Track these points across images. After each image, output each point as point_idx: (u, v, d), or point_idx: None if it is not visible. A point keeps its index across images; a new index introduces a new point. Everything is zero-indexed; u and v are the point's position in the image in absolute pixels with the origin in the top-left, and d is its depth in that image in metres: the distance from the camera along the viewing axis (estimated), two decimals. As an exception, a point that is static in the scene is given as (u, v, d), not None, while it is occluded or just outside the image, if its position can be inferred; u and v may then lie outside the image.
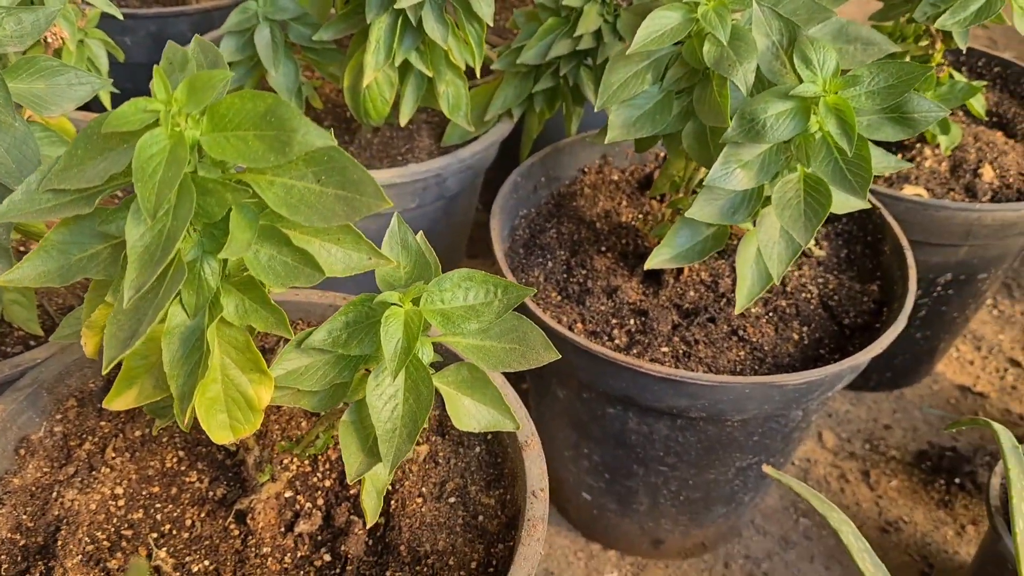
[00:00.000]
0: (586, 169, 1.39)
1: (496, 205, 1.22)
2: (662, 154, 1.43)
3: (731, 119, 0.94)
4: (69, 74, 0.86)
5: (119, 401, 0.71)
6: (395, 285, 0.79)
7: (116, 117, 0.59)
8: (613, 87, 1.02)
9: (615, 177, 1.40)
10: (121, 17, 1.12)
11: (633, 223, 1.32)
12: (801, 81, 0.94)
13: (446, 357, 0.94)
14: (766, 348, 1.12)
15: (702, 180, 1.18)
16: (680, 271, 1.22)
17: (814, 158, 0.95)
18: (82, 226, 0.66)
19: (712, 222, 1.01)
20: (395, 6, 1.04)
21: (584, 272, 1.23)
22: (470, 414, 0.81)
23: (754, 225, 1.03)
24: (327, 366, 0.78)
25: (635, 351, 1.11)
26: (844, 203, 1.02)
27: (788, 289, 1.20)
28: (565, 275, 1.24)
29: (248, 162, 0.60)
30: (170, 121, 0.59)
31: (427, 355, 0.77)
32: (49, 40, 1.04)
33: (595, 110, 1.03)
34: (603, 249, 1.27)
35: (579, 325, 1.16)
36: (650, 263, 1.06)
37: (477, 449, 0.95)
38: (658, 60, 1.02)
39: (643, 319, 1.16)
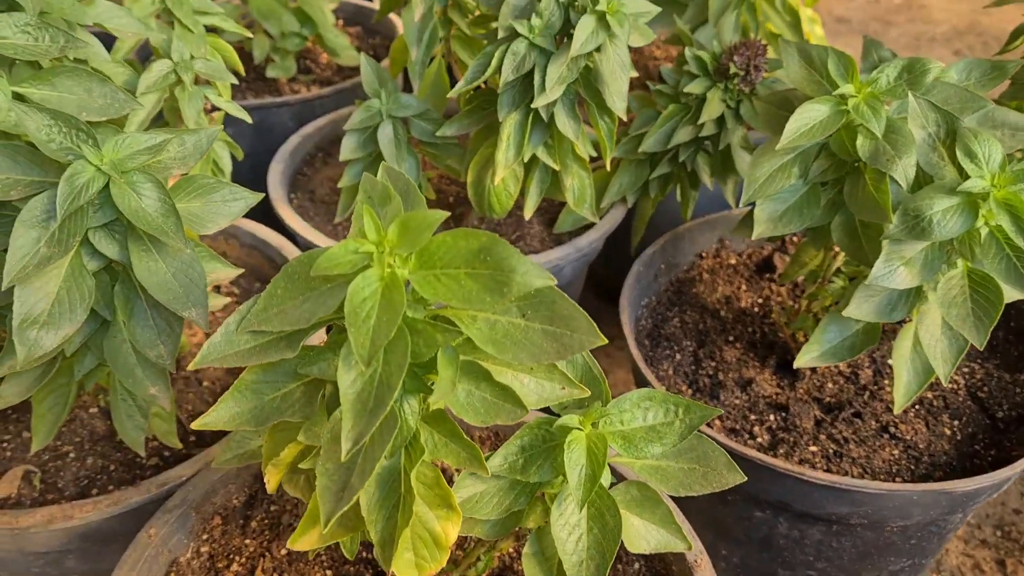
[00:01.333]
0: (703, 254, 1.36)
1: (623, 297, 1.19)
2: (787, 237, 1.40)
3: (892, 215, 0.90)
4: (224, 190, 0.84)
5: (304, 541, 0.68)
6: (567, 405, 0.75)
7: (327, 260, 0.57)
8: (758, 181, 0.99)
9: (732, 261, 1.36)
10: (251, 121, 1.12)
11: (755, 309, 1.29)
12: (964, 174, 0.91)
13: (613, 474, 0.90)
14: (920, 446, 1.07)
15: (839, 268, 1.14)
16: (815, 361, 1.17)
17: (982, 254, 0.90)
18: (276, 364, 0.64)
19: (870, 320, 0.96)
20: (532, 105, 1.02)
21: (714, 364, 1.19)
22: (640, 535, 0.78)
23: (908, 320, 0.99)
24: (502, 493, 0.75)
25: (781, 450, 1.06)
26: (1007, 294, 0.97)
27: (933, 381, 1.15)
28: (694, 367, 1.20)
29: (461, 303, 0.57)
30: (384, 263, 0.57)
31: (607, 479, 0.74)
32: (185, 148, 1.04)
33: (739, 205, 1.00)
34: (731, 339, 1.23)
35: (717, 422, 1.11)
36: (800, 362, 1.02)
37: (636, 566, 0.91)
38: (804, 153, 1.00)
39: (783, 415, 1.12)
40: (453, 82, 1.32)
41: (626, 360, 1.72)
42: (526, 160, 1.10)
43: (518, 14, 1.03)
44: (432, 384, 0.64)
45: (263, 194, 0.87)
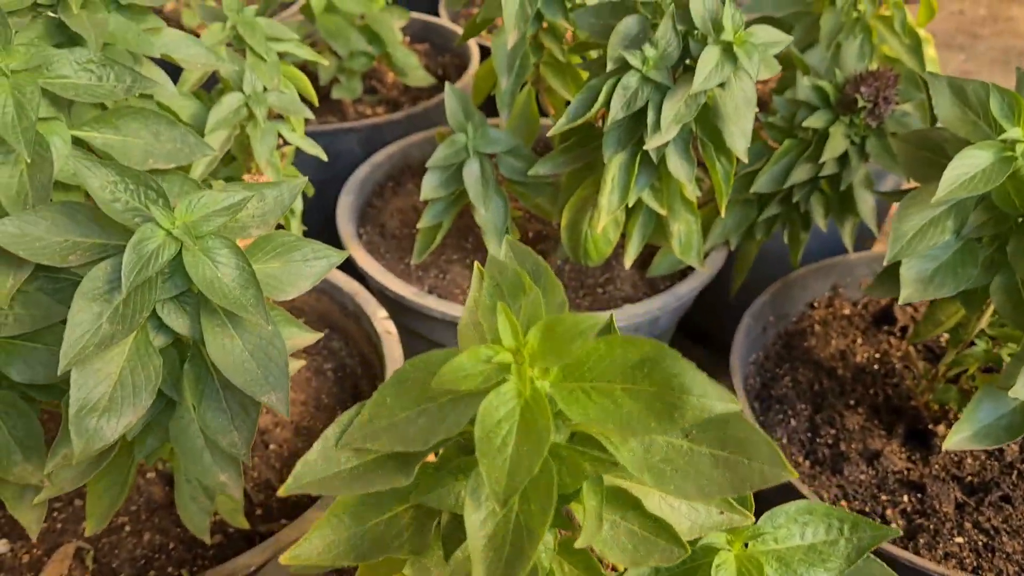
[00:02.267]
0: (815, 303, 1.23)
1: (734, 356, 1.07)
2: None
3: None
4: (305, 248, 0.74)
5: None
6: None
7: (452, 371, 0.46)
8: (906, 237, 0.86)
9: (847, 311, 1.23)
10: (326, 158, 1.02)
11: (874, 366, 1.15)
12: None
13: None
14: (1085, 540, 0.93)
15: (983, 331, 1.01)
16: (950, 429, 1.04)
17: None
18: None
19: (1040, 401, 0.83)
20: (644, 147, 0.90)
21: (833, 431, 1.06)
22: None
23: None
24: (632, 620, 0.63)
25: (922, 540, 0.93)
26: None
27: (1093, 459, 1.01)
28: (811, 435, 1.07)
29: (617, 426, 0.46)
30: (524, 378, 0.46)
31: (756, 608, 0.62)
32: (257, 191, 0.94)
33: (884, 263, 0.87)
34: (851, 402, 1.10)
35: (843, 503, 0.99)
36: (949, 443, 0.89)
37: None
38: (960, 205, 0.86)
39: (918, 495, 0.99)
40: (541, 111, 1.21)
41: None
42: (630, 205, 0.99)
43: (628, 43, 0.92)
44: (566, 511, 0.53)
45: (347, 253, 0.76)
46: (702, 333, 1.53)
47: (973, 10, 3.27)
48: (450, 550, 0.51)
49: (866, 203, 1.14)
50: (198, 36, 2.02)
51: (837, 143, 1.08)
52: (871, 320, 1.23)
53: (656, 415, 0.45)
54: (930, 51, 1.47)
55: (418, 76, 1.66)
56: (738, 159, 0.95)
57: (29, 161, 0.66)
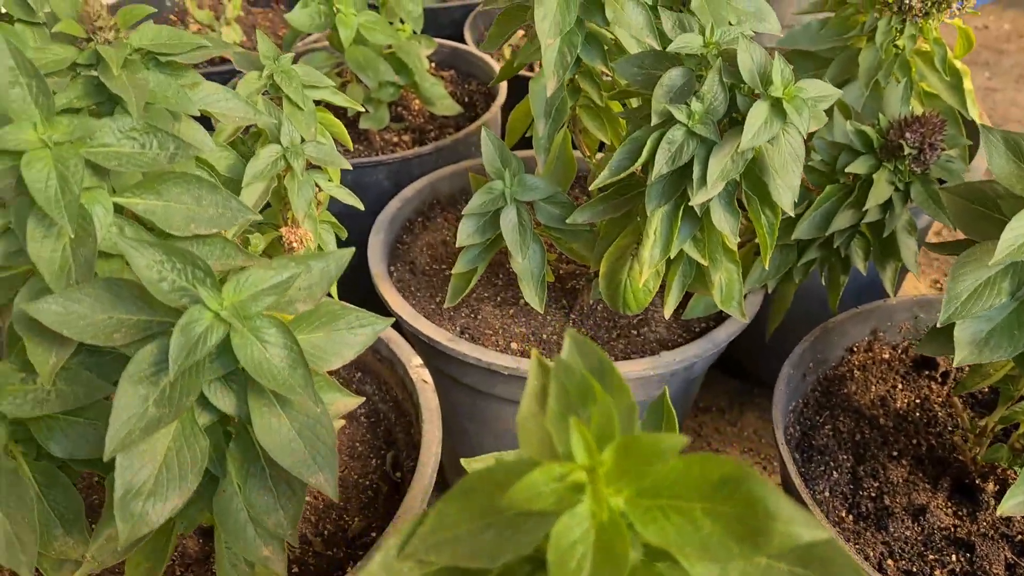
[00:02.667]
0: (854, 348, 1.21)
1: (776, 409, 1.05)
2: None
3: None
4: (349, 316, 0.73)
5: None
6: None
7: (523, 491, 0.44)
8: (960, 298, 0.84)
9: (886, 356, 1.21)
10: (362, 207, 1.01)
11: (916, 413, 1.13)
12: None
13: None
14: None
15: (1034, 385, 0.99)
16: (998, 486, 1.02)
17: None
18: (441, 592, 0.51)
19: (1100, 470, 0.81)
20: (690, 203, 0.88)
21: (876, 484, 1.04)
22: None
23: None
24: None
25: (972, 605, 0.91)
26: None
27: None
28: (853, 487, 1.05)
29: (696, 549, 0.44)
30: (600, 500, 0.44)
31: None
32: (294, 245, 0.92)
33: (938, 326, 0.85)
34: (894, 453, 1.07)
35: (889, 562, 0.96)
36: (1004, 509, 0.87)
37: None
38: (1017, 266, 0.84)
39: (967, 555, 0.96)
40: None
41: (765, 457, 1.58)
42: (672, 256, 0.97)
43: (673, 96, 0.90)
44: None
45: (392, 319, 0.75)
46: (735, 363, 1.51)
47: (997, 25, 3.24)
48: (518, 669, 0.49)
49: (909, 248, 1.12)
50: (227, 61, 2.01)
51: (881, 190, 1.05)
52: (911, 365, 1.20)
53: (738, 539, 0.43)
54: (967, 83, 1.45)
55: (445, 105, 1.64)
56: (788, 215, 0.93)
57: (73, 236, 0.65)
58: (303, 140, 0.93)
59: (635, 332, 1.23)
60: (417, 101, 1.73)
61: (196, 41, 0.82)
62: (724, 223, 0.94)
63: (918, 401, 1.15)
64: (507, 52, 2.05)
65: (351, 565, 0.91)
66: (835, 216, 1.08)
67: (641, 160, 0.90)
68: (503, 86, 1.70)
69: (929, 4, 1.24)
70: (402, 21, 1.60)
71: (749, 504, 0.43)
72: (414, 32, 1.61)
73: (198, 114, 0.83)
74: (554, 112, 1.05)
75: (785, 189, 0.90)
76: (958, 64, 1.38)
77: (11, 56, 0.65)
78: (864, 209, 1.06)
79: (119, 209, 0.72)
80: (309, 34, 1.72)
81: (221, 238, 0.76)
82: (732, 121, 0.90)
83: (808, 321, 1.21)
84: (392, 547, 0.49)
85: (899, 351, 1.22)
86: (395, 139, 1.66)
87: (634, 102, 1.06)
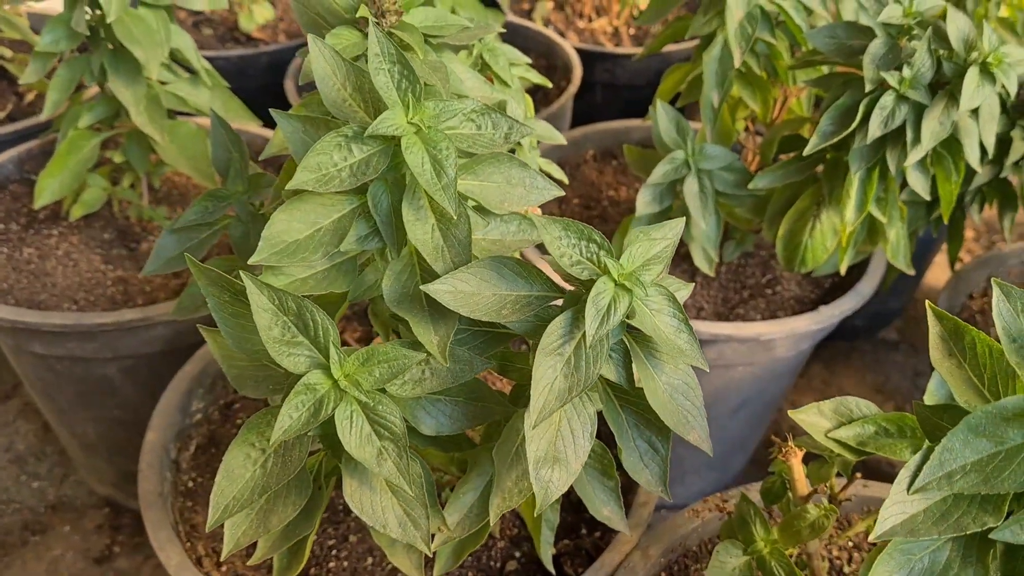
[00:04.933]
0: (973, 295, 1.31)
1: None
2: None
3: None
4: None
5: None
6: None
7: None
8: None
9: (998, 299, 1.31)
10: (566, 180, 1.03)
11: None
12: None
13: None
14: None
15: None
16: None
17: None
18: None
19: None
20: (905, 163, 0.95)
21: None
22: None
23: None
24: None
25: None
26: None
27: None
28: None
29: None
30: None
31: None
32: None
33: None
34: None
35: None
36: None
37: None
38: None
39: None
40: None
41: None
42: (864, 217, 1.03)
43: (878, 64, 0.96)
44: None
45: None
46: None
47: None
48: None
49: (1030, 201, 1.22)
50: (253, 39, 1.97)
51: (1018, 148, 1.14)
52: (1020, 307, 1.31)
53: None
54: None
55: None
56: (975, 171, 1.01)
57: (456, 217, 0.66)
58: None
59: (770, 291, 1.30)
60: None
61: (460, 23, 0.83)
62: (918, 182, 1.01)
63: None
64: (539, 21, 2.07)
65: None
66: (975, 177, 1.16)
67: (855, 123, 0.95)
68: (576, 66, 1.72)
69: (1014, -28, 1.33)
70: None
71: None
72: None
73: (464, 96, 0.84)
74: (725, 83, 1.10)
75: (977, 148, 0.98)
76: None
77: (376, 43, 0.66)
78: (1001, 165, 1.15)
79: (443, 190, 0.73)
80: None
81: (518, 215, 0.78)
82: (937, 86, 0.97)
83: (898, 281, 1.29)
84: (903, 481, 0.54)
85: (1008, 295, 1.33)
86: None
87: (824, 70, 1.11)
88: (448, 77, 0.77)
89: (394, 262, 0.70)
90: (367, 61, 0.78)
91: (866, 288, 1.23)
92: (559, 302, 0.67)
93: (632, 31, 2.08)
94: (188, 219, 0.89)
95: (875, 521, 0.81)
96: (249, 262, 0.64)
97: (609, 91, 1.89)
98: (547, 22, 2.07)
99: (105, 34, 1.18)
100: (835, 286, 1.30)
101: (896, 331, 1.88)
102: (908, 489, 0.53)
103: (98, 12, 1.16)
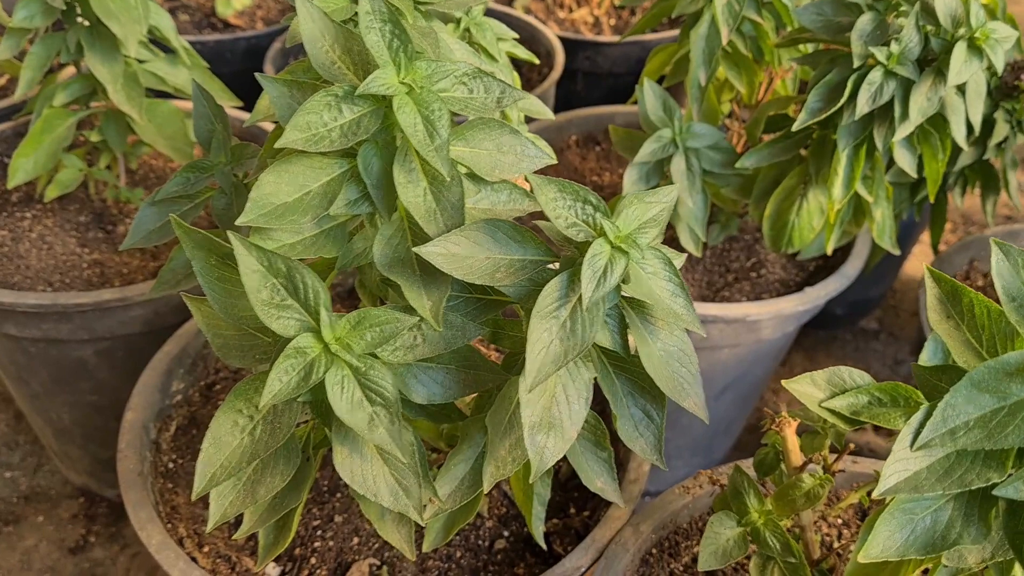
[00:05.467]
0: (956, 276, 1.31)
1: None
2: None
3: None
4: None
5: None
6: None
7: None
8: None
9: (980, 283, 1.32)
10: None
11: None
12: None
13: None
14: None
15: None
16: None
17: None
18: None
19: None
20: (894, 138, 0.95)
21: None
22: None
23: None
24: None
25: None
26: None
27: None
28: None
29: None
30: None
31: None
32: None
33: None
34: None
35: None
36: None
37: None
38: None
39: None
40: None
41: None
42: (850, 195, 1.03)
43: (866, 40, 0.96)
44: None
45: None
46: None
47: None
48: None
49: (1013, 182, 1.23)
50: (230, 25, 1.95)
51: (1001, 129, 1.15)
52: (1002, 290, 1.32)
53: None
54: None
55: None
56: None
57: (449, 179, 0.65)
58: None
59: (754, 274, 1.29)
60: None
61: (450, -10, 0.82)
62: (904, 159, 1.01)
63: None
64: (519, 11, 2.06)
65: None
66: (959, 157, 1.17)
67: (843, 99, 0.95)
68: (559, 52, 1.71)
69: (996, -42, 1.34)
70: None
71: None
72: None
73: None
74: (712, 61, 1.09)
75: (963, 125, 0.98)
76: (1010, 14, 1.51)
77: (367, 1, 0.65)
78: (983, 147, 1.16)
79: (434, 156, 0.72)
80: None
81: (508, 183, 0.76)
82: (924, 62, 0.97)
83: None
84: (905, 438, 0.53)
85: (989, 278, 1.33)
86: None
87: (808, 48, 1.11)
88: (438, 43, 0.76)
89: (385, 226, 0.68)
90: (358, 21, 0.77)
91: (851, 270, 1.23)
92: (554, 266, 0.66)
93: (612, 21, 2.08)
94: (169, 191, 0.86)
95: (868, 492, 0.81)
96: (236, 223, 0.62)
97: (590, 79, 1.89)
98: (528, 11, 2.06)
99: (82, 10, 1.15)
100: (819, 269, 1.30)
101: (876, 320, 1.89)
102: (911, 446, 0.53)
103: (74, -14, 1.14)
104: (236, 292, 0.66)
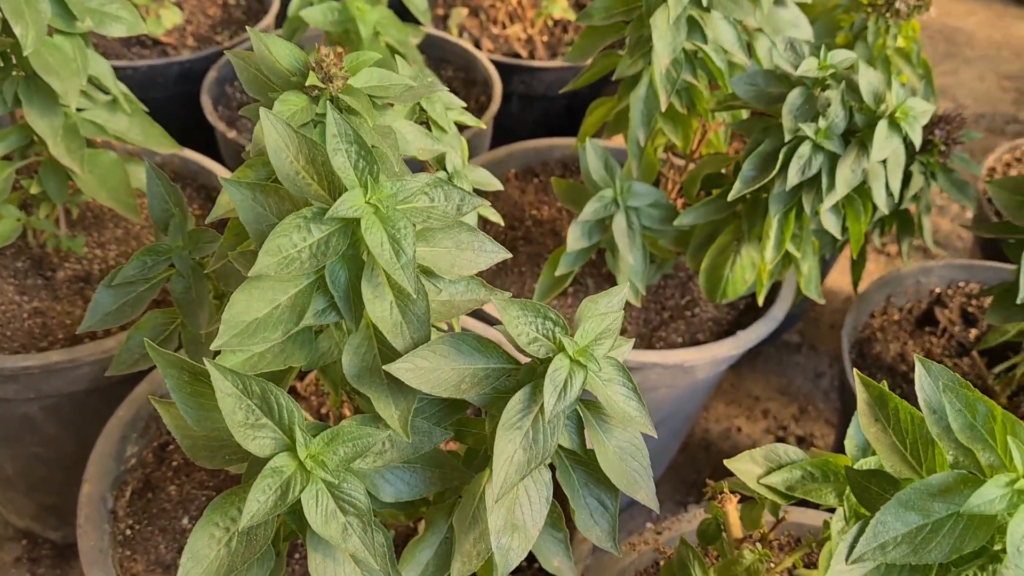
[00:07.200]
0: (874, 313, 1.40)
1: (848, 375, 1.21)
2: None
3: None
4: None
5: None
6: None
7: (978, 499, 0.56)
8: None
9: (896, 317, 1.41)
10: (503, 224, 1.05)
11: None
12: None
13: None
14: None
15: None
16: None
17: None
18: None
19: None
20: (822, 207, 1.01)
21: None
22: None
23: None
24: None
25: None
26: None
27: None
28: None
29: None
30: (1043, 500, 0.56)
31: None
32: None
33: (1018, 301, 1.03)
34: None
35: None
36: None
37: None
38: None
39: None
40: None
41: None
42: (781, 255, 1.09)
43: (796, 114, 1.02)
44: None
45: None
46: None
47: None
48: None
49: (927, 227, 1.31)
50: (160, 43, 1.91)
51: (917, 180, 1.23)
52: (915, 323, 1.41)
53: None
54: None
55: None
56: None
57: (415, 296, 0.68)
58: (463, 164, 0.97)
59: (689, 313, 1.36)
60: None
61: (404, 83, 0.84)
62: (831, 223, 1.07)
63: (925, 355, 1.36)
64: (454, 29, 2.07)
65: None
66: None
67: (774, 172, 1.01)
68: (496, 84, 1.73)
69: (911, 6, 1.42)
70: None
71: None
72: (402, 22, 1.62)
73: (410, 155, 0.85)
74: (651, 122, 1.14)
75: (883, 191, 1.05)
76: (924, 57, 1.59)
77: (335, 124, 0.67)
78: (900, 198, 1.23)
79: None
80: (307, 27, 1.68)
81: (476, 279, 0.80)
82: (849, 133, 1.03)
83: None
84: (842, 552, 0.59)
85: (903, 311, 1.42)
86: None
87: (743, 114, 1.16)
88: (396, 143, 0.78)
89: (352, 336, 0.71)
90: (317, 124, 0.78)
91: (779, 312, 1.30)
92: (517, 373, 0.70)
93: (545, 38, 2.11)
94: (126, 275, 0.87)
95: (801, 557, 0.87)
96: (211, 347, 0.64)
97: (525, 101, 1.92)
98: (462, 29, 2.08)
99: (18, 61, 1.13)
100: (748, 307, 1.36)
101: (798, 333, 1.98)
102: (847, 559, 0.58)
103: (10, 39, 1.12)
104: (209, 405, 0.68)
